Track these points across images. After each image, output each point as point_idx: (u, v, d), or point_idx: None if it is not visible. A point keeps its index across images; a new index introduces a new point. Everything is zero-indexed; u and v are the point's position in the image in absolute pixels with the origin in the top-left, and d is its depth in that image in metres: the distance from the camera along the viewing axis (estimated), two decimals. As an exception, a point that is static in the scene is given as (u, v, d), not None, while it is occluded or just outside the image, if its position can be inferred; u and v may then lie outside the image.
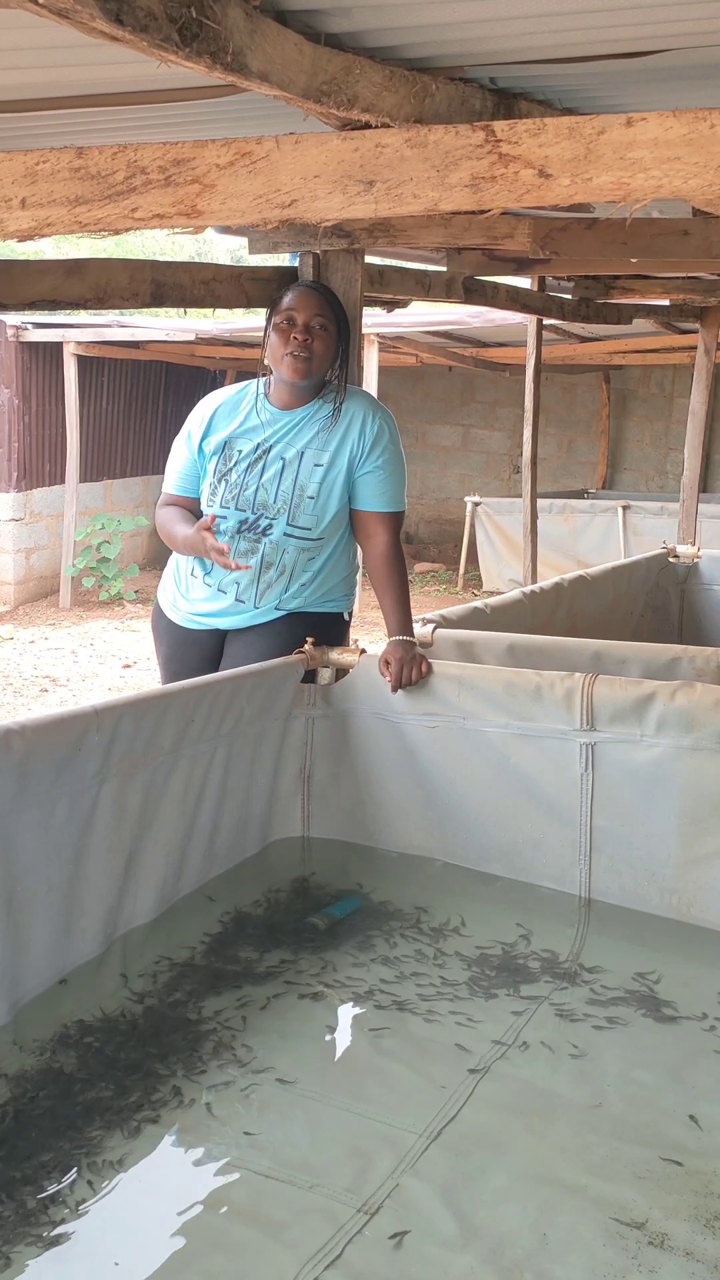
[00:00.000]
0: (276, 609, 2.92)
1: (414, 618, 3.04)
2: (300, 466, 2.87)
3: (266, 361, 2.89)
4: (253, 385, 2.97)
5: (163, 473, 3.11)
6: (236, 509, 2.88)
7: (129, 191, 2.06)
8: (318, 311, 2.82)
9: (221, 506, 2.88)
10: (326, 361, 2.86)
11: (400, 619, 2.92)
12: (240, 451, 2.89)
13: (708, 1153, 1.83)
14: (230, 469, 2.89)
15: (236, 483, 2.88)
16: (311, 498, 2.86)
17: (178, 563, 3.05)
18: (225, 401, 2.97)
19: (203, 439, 2.93)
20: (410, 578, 11.94)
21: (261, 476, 2.87)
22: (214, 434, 2.92)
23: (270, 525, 2.87)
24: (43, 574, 9.66)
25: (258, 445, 2.89)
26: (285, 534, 2.87)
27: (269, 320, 2.87)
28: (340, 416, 2.88)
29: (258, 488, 2.87)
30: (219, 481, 2.91)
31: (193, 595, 2.98)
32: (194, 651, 3.00)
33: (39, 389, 9.40)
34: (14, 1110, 1.89)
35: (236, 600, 2.92)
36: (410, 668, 2.82)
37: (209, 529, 2.78)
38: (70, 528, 9.38)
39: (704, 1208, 1.70)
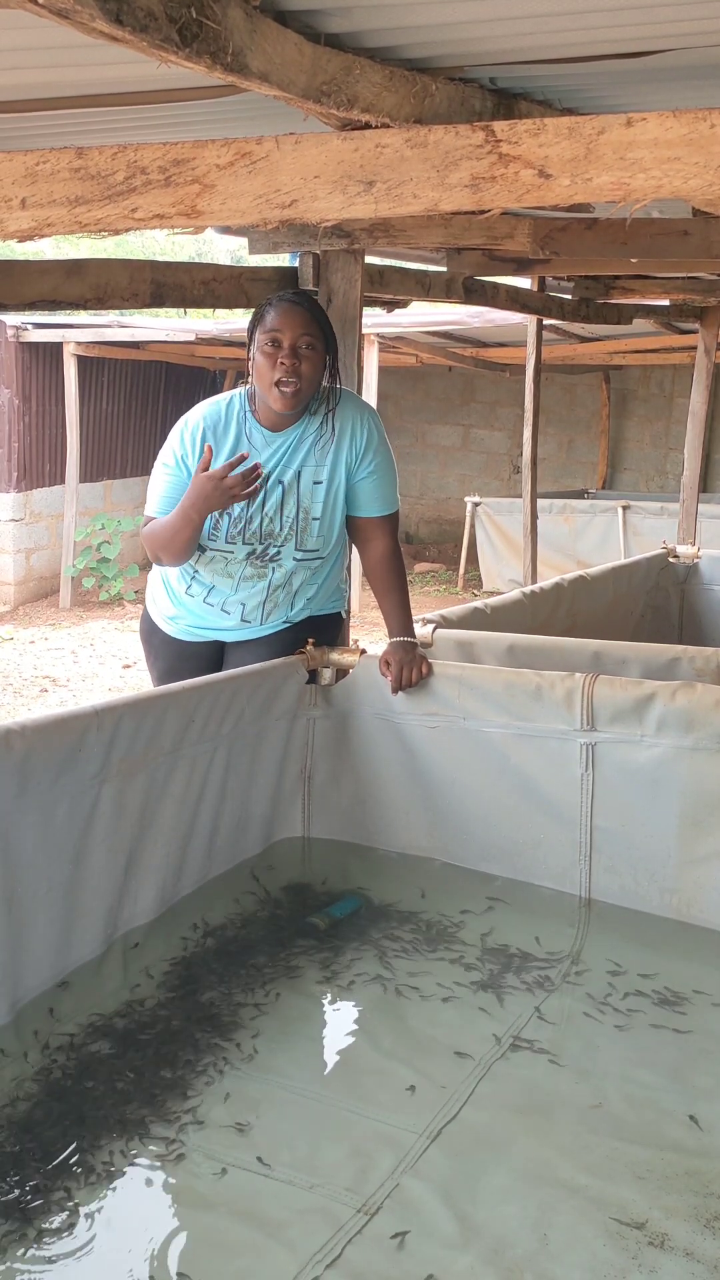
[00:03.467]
0: (284, 623, 2.88)
1: (414, 618, 3.03)
2: (300, 488, 2.78)
3: (252, 380, 2.74)
4: (235, 401, 2.80)
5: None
6: (244, 542, 2.77)
7: (129, 191, 2.06)
8: (304, 331, 2.65)
9: (227, 542, 2.77)
10: (315, 382, 2.71)
11: (401, 620, 2.90)
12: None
13: (708, 1153, 1.83)
14: None
15: (240, 516, 2.76)
16: (317, 519, 2.79)
17: (167, 580, 2.92)
18: (209, 424, 2.78)
19: (194, 465, 2.72)
20: (410, 578, 11.87)
21: (264, 507, 2.76)
22: (200, 462, 2.71)
23: (279, 553, 2.79)
24: (43, 574, 9.67)
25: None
26: (295, 559, 2.81)
27: (252, 336, 2.71)
28: (333, 430, 2.79)
29: (261, 519, 2.76)
30: (221, 515, 2.75)
31: (193, 612, 2.87)
32: (195, 664, 2.89)
33: (39, 389, 9.40)
34: (14, 1110, 1.89)
35: (242, 621, 2.85)
36: (410, 669, 2.81)
37: (206, 465, 2.60)
38: (70, 528, 9.38)
39: (704, 1208, 1.70)
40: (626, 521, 9.10)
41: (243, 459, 2.61)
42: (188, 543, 2.72)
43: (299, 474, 2.79)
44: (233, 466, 2.58)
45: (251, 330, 2.73)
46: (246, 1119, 1.89)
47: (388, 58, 2.18)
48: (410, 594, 2.99)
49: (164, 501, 2.78)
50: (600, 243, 3.69)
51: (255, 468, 2.61)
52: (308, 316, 2.69)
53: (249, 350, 2.74)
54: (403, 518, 2.83)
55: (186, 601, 2.88)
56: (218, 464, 2.68)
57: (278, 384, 2.65)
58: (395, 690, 2.83)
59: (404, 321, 8.05)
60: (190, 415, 2.83)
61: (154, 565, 2.94)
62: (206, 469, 2.60)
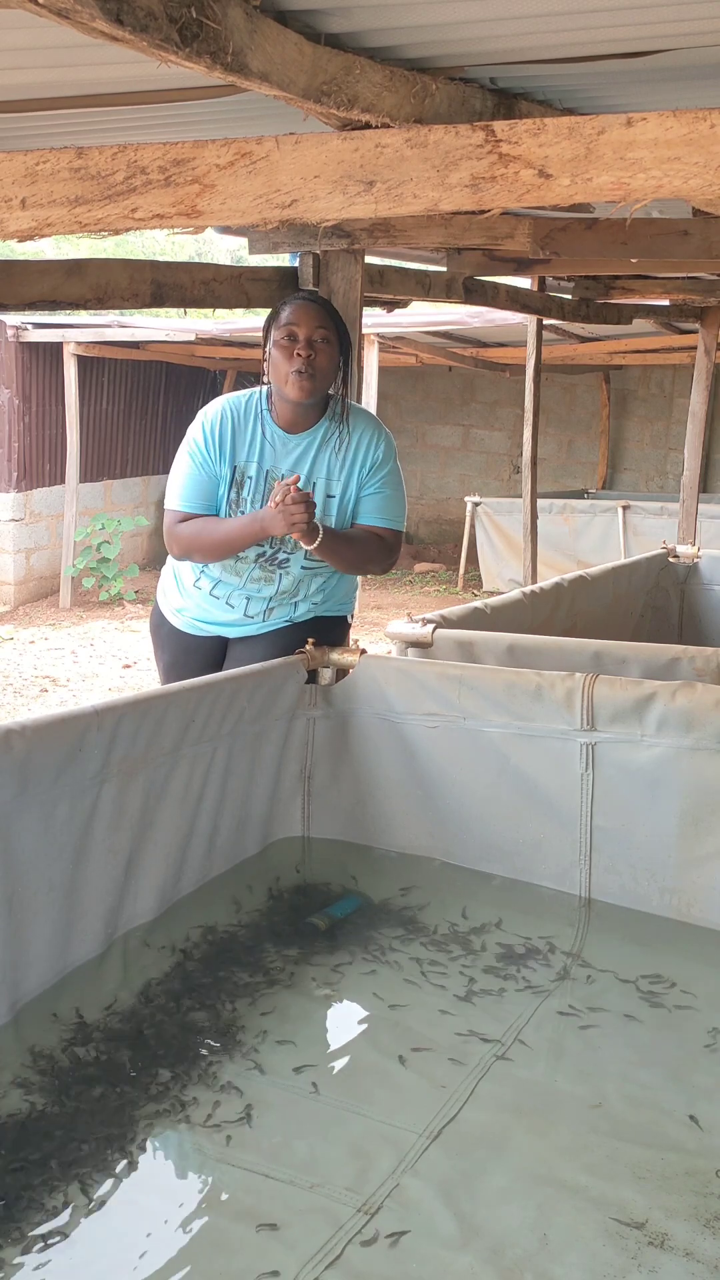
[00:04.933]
0: (286, 621, 2.93)
1: (414, 618, 3.04)
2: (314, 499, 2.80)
3: (268, 379, 2.80)
4: (255, 399, 2.85)
5: (162, 472, 3.05)
6: (254, 543, 2.80)
7: (129, 191, 2.06)
8: (319, 324, 2.73)
9: None
10: (330, 375, 2.78)
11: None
12: (250, 478, 2.81)
13: (708, 1153, 1.83)
14: (245, 499, 2.81)
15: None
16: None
17: (177, 572, 2.99)
18: (231, 415, 2.83)
19: (219, 458, 2.80)
20: (410, 578, 11.79)
21: None
22: (225, 453, 2.80)
23: (288, 559, 2.84)
24: (43, 574, 9.67)
25: (268, 473, 2.81)
26: (303, 567, 2.85)
27: (267, 335, 2.78)
28: (347, 440, 2.83)
29: None
30: (234, 512, 2.81)
31: (199, 604, 2.95)
32: (198, 658, 2.97)
33: (39, 389, 9.40)
34: (14, 1110, 1.89)
35: (245, 616, 2.90)
36: (299, 502, 2.63)
37: (291, 485, 2.59)
38: (70, 528, 9.38)
39: (704, 1208, 1.70)
40: (626, 521, 9.10)
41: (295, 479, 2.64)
42: (235, 553, 2.78)
43: (313, 485, 2.83)
44: (289, 490, 2.60)
45: (267, 329, 2.80)
46: (246, 1118, 1.89)
47: (388, 58, 2.18)
48: (410, 594, 3.00)
49: (186, 493, 2.83)
50: (600, 243, 3.69)
51: (295, 478, 2.64)
52: (323, 313, 2.77)
53: (264, 349, 2.79)
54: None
55: (194, 594, 2.94)
56: (237, 458, 2.79)
57: (294, 373, 2.70)
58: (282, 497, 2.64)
59: (404, 321, 8.05)
60: (212, 406, 2.88)
61: (168, 559, 3.00)
62: (281, 501, 2.62)
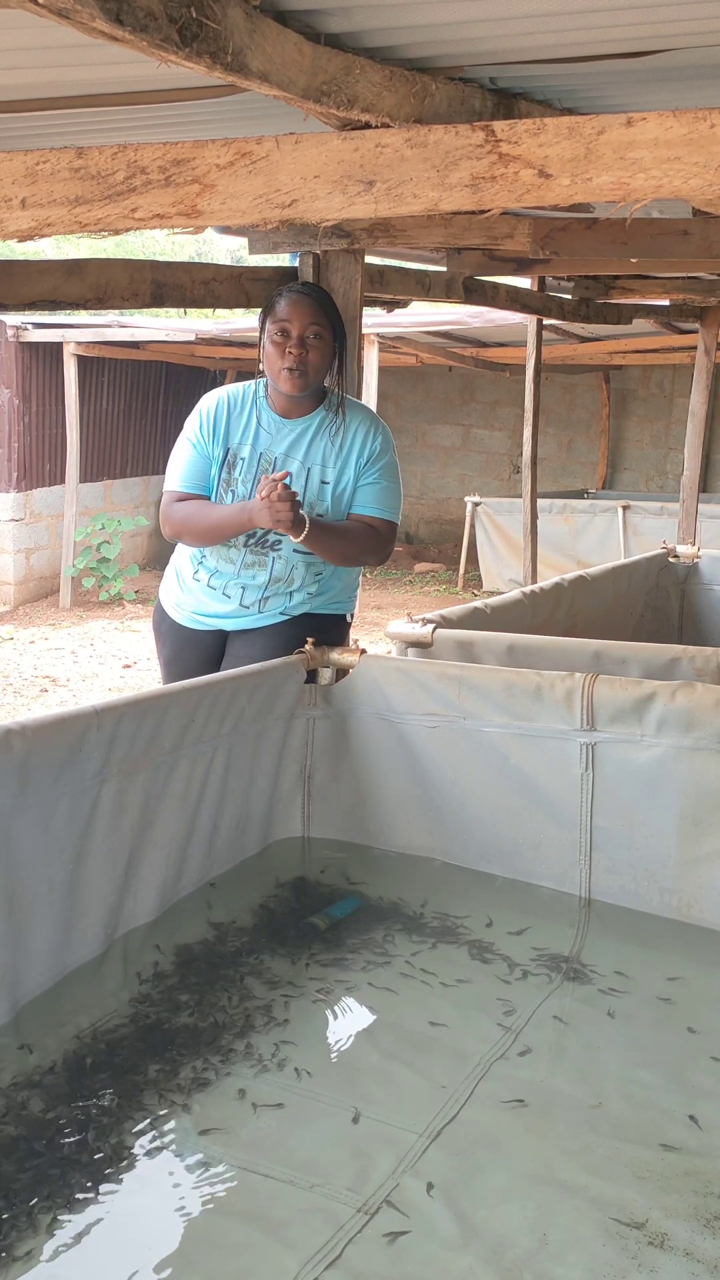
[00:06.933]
0: (281, 614, 2.94)
1: (414, 618, 3.04)
2: (307, 484, 2.86)
3: (262, 369, 2.86)
4: (253, 387, 2.93)
5: (162, 473, 3.07)
6: None
7: (129, 191, 2.06)
8: (312, 320, 2.76)
9: None
10: (323, 370, 2.83)
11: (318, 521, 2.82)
12: (243, 460, 2.86)
13: (708, 1153, 1.83)
14: (236, 479, 2.87)
15: (242, 496, 2.86)
16: (320, 516, 2.86)
17: (178, 565, 3.04)
18: (228, 402, 2.91)
19: (213, 440, 2.88)
20: (410, 578, 11.77)
21: None
22: (219, 436, 2.89)
23: (279, 542, 2.86)
24: (43, 574, 9.67)
25: (261, 455, 2.86)
26: (295, 550, 2.87)
27: (262, 326, 2.82)
28: (343, 431, 2.87)
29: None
30: (225, 493, 2.88)
31: (197, 597, 2.98)
32: (197, 652, 3.01)
33: (39, 389, 9.40)
34: (14, 1109, 1.89)
35: (241, 606, 2.93)
36: (284, 499, 2.67)
37: (278, 480, 2.64)
38: (70, 528, 9.38)
39: (704, 1208, 1.70)
40: (626, 521, 9.10)
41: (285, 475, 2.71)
42: (223, 539, 2.85)
43: (308, 470, 2.87)
44: (275, 485, 2.66)
45: (262, 320, 2.84)
46: (246, 1118, 1.89)
47: (388, 58, 2.18)
48: (410, 594, 3.02)
49: (183, 474, 2.91)
50: (600, 243, 3.69)
51: (283, 474, 2.71)
52: (316, 307, 2.79)
53: (260, 338, 2.84)
54: (403, 517, 2.81)
55: (193, 586, 2.98)
56: (230, 440, 2.86)
57: (285, 370, 2.76)
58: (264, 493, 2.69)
59: (404, 321, 8.05)
60: (209, 395, 2.96)
61: (171, 556, 3.06)
62: (267, 496, 2.68)
